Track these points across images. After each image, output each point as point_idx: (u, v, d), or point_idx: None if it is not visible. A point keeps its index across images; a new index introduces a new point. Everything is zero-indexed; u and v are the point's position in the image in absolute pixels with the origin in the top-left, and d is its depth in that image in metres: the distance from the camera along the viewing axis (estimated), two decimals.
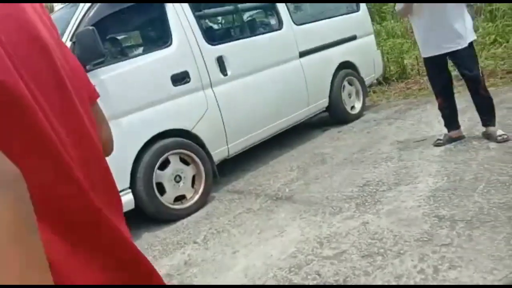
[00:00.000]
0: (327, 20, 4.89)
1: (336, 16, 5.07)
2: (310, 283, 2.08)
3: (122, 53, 3.88)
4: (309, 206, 2.98)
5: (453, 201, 2.51)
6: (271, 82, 4.15)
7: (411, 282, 1.89)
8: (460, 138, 3.47)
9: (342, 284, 2.01)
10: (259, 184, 3.69)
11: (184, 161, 3.47)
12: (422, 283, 1.87)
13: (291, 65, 4.40)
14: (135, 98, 3.20)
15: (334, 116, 5.02)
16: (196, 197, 3.47)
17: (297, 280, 2.14)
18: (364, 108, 5.29)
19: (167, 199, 3.33)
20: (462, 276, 1.84)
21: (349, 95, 5.10)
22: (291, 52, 4.41)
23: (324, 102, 4.80)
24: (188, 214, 3.38)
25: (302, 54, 4.48)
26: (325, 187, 3.25)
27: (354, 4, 5.35)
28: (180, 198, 3.43)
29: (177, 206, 3.38)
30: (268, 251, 2.52)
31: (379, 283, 1.94)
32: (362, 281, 1.99)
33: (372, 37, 5.57)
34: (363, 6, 5.40)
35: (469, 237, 2.10)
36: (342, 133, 4.67)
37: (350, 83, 5.13)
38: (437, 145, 3.47)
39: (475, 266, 1.86)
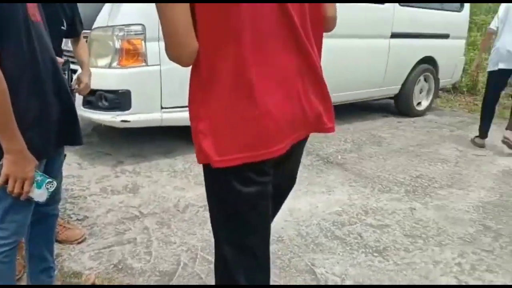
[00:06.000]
0: (428, 10, 4.77)
1: (438, 9, 4.93)
2: (352, 241, 2.25)
3: None
4: (359, 178, 3.11)
5: (502, 218, 2.59)
6: (357, 52, 4.18)
7: (448, 271, 2.02)
8: None
9: (381, 249, 2.17)
10: (311, 144, 3.80)
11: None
12: (458, 274, 2.00)
13: (380, 42, 4.38)
14: None
15: (399, 106, 5.02)
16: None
17: (339, 234, 2.31)
18: (429, 108, 5.26)
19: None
20: (498, 281, 1.96)
21: (421, 90, 5.08)
22: (385, 29, 4.38)
23: (395, 89, 4.80)
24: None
25: (394, 36, 4.45)
26: (377, 166, 3.36)
27: (458, 4, 5.17)
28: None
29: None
30: (314, 202, 2.68)
31: (418, 262, 2.08)
32: (402, 254, 2.13)
33: (463, 42, 5.43)
34: (466, 7, 5.21)
35: None
36: (402, 124, 4.70)
37: (426, 80, 5.09)
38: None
39: None
